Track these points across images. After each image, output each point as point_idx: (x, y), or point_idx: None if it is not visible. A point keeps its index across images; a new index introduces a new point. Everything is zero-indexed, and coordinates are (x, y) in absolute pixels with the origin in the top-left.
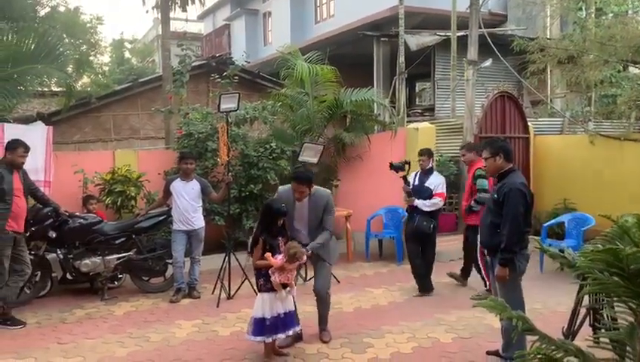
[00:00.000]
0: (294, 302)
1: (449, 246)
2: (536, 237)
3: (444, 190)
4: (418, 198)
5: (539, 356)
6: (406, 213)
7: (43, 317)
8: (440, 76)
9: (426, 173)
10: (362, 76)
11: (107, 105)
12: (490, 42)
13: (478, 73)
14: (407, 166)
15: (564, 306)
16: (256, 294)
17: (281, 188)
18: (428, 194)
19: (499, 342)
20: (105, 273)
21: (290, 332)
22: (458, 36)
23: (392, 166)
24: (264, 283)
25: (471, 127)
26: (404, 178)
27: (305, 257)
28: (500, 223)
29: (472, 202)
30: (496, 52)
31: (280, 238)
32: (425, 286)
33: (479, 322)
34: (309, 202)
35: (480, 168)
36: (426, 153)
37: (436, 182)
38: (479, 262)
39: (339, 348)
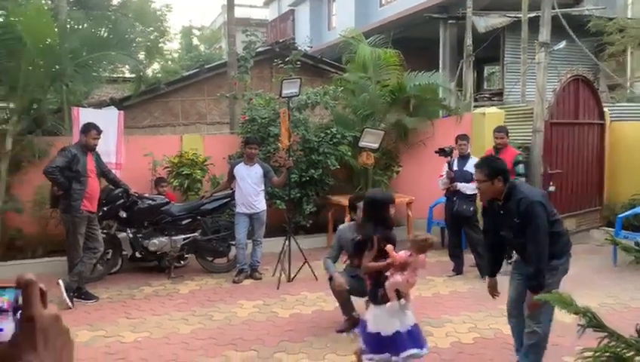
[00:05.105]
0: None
1: None
2: (609, 229)
3: None
4: (460, 182)
5: (606, 354)
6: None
7: (114, 292)
8: (509, 59)
9: (464, 157)
10: (428, 60)
11: (176, 91)
12: (565, 23)
13: (551, 56)
14: (454, 152)
15: (638, 301)
16: (316, 279)
17: (342, 226)
18: (469, 178)
19: (566, 336)
20: (172, 252)
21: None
22: (529, 17)
23: (442, 151)
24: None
25: (542, 112)
26: (449, 163)
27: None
28: (524, 242)
29: None
30: (571, 33)
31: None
32: (480, 269)
33: None
34: None
35: (519, 154)
36: (467, 138)
37: None
38: None
39: None
